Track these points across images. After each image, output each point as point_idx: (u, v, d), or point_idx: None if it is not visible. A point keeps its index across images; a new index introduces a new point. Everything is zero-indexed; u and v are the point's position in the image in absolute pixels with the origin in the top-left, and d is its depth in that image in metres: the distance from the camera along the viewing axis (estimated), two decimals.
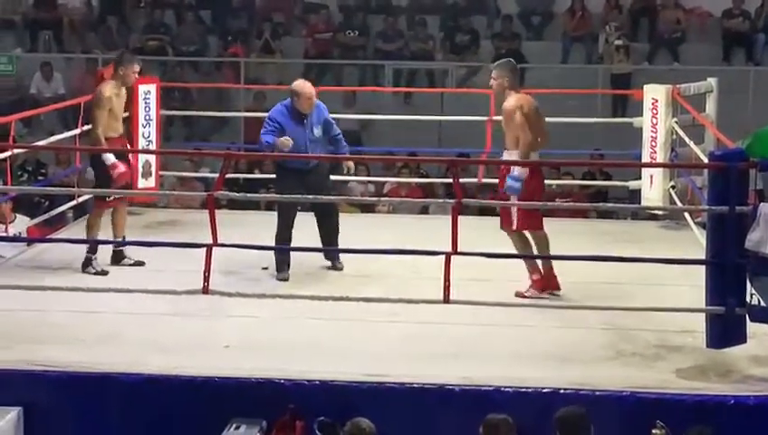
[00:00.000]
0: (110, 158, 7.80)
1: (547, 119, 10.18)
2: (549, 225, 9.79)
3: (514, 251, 7.31)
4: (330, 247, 7.91)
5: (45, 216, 9.71)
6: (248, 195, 8.93)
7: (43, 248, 8.48)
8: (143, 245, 7.84)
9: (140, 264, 7.98)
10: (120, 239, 8.06)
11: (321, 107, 7.97)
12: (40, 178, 12.94)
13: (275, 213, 7.86)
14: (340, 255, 7.98)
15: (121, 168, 7.86)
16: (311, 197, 7.48)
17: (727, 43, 15.70)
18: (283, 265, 7.76)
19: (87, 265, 7.85)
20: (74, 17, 16.64)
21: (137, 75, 8.15)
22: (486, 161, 7.40)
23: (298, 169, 7.78)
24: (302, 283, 7.56)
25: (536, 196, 7.21)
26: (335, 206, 8.12)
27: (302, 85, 7.90)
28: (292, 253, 7.76)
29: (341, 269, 7.96)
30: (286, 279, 7.70)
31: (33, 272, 7.78)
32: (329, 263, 8.02)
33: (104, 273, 7.82)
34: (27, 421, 5.84)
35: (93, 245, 7.86)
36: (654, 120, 9.35)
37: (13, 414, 5.77)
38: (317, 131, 7.86)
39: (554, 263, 7.27)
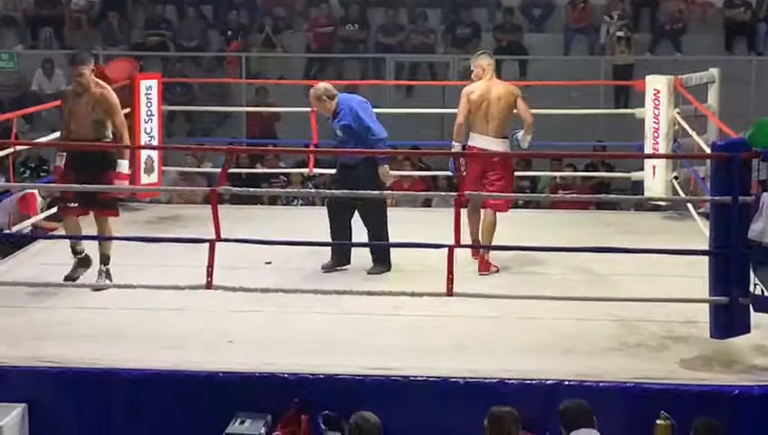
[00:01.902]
0: (56, 161, 7.57)
1: (549, 111, 10.26)
2: (552, 216, 9.86)
3: (521, 244, 7.32)
4: (345, 242, 7.76)
5: (48, 212, 9.70)
6: (251, 189, 8.92)
7: (48, 244, 8.47)
8: (145, 240, 7.83)
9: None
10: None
11: (347, 108, 7.67)
12: (42, 174, 12.93)
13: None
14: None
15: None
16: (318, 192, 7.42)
17: (729, 33, 15.68)
18: (334, 256, 7.74)
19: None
20: (75, 13, 16.63)
21: (79, 78, 7.22)
22: (488, 154, 7.38)
23: (344, 163, 7.83)
24: (305, 277, 7.56)
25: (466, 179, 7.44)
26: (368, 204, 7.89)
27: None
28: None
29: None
30: (327, 269, 7.70)
31: (37, 268, 7.77)
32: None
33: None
34: (32, 418, 5.83)
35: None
36: (656, 111, 9.34)
37: (17, 411, 5.77)
38: (339, 133, 7.70)
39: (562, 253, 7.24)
